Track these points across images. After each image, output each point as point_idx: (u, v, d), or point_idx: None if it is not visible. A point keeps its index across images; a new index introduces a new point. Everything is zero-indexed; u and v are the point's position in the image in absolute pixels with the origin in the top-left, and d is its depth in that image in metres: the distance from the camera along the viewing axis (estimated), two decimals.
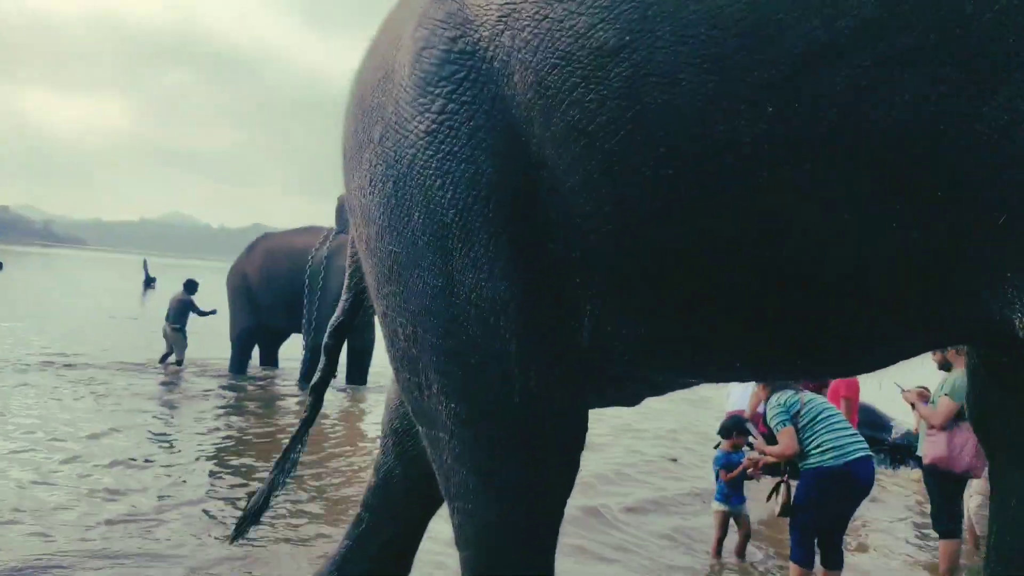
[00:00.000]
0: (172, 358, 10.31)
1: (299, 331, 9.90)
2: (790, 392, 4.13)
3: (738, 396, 7.08)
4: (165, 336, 10.48)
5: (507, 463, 1.94)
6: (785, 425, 4.01)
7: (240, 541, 3.03)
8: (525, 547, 2.00)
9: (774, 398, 4.12)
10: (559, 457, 1.99)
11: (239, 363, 10.13)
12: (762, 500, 4.69)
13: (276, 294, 9.76)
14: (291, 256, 9.79)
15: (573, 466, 2.04)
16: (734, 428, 4.76)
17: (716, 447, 7.65)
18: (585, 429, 2.01)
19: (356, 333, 9.45)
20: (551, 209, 1.76)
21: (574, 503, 4.94)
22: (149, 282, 30.77)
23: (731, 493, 4.63)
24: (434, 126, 1.86)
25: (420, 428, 2.13)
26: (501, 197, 1.80)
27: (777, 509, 4.28)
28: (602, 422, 8.26)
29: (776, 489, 4.32)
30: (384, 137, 1.98)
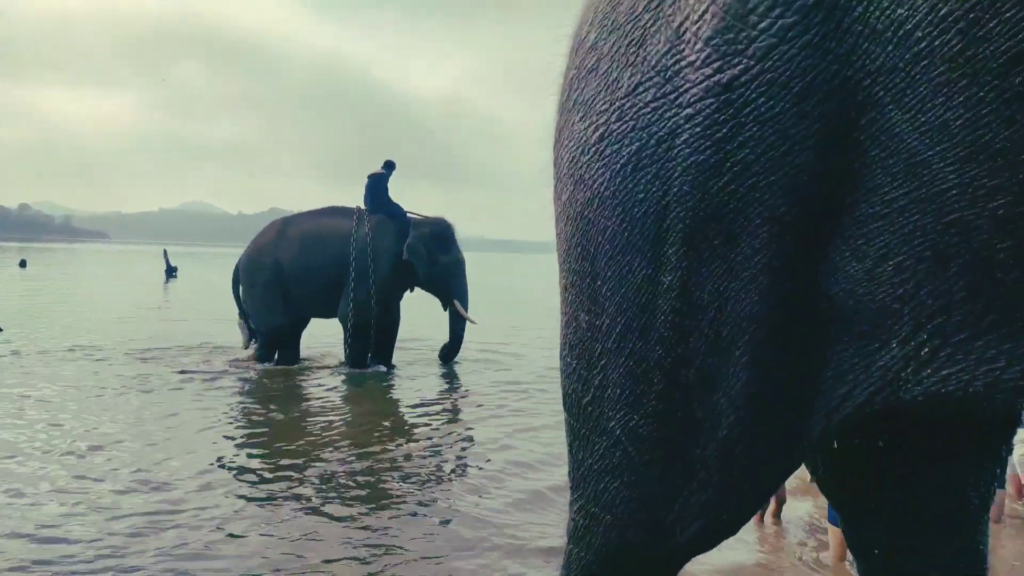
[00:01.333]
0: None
1: (330, 317, 9.79)
2: None
3: None
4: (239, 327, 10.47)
5: (679, 499, 1.60)
6: None
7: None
8: (649, 567, 1.74)
9: None
10: (741, 504, 1.64)
11: (268, 354, 9.72)
12: None
13: (318, 282, 9.46)
14: (330, 241, 9.52)
15: (756, 506, 1.72)
16: None
17: None
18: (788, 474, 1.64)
19: (385, 310, 9.64)
20: (885, 200, 1.27)
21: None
22: (171, 271, 31.04)
23: None
24: (744, 79, 1.32)
25: (566, 413, 1.82)
26: (812, 191, 1.33)
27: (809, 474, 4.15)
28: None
29: None
30: (642, 87, 1.46)
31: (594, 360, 1.65)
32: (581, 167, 1.62)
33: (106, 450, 5.54)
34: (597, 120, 1.57)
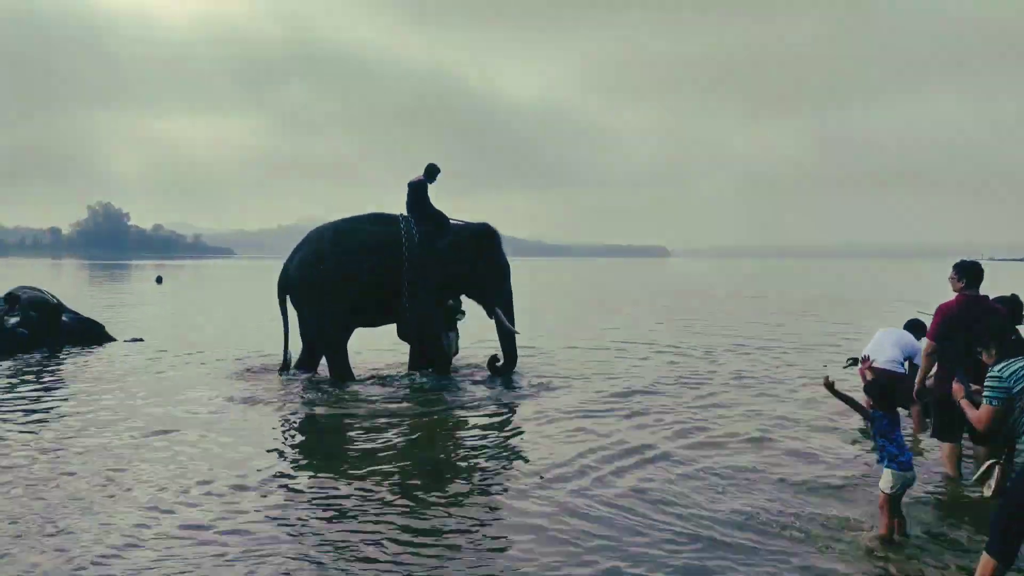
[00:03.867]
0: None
1: (378, 326, 9.62)
2: (1021, 363, 3.52)
3: (868, 349, 6.63)
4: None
5: None
6: (992, 404, 3.50)
7: None
8: None
9: (998, 368, 3.57)
10: None
11: (344, 363, 9.19)
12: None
13: (372, 291, 9.05)
14: (383, 249, 9.08)
15: None
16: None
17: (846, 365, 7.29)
18: None
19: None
20: None
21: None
22: None
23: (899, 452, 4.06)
24: None
25: None
26: None
27: (988, 491, 3.83)
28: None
29: (990, 471, 3.85)
30: None
31: None
32: None
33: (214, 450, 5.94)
34: None
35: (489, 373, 9.51)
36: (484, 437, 6.70)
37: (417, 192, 9.44)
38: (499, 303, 9.46)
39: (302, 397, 8.25)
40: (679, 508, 4.67)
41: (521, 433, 6.79)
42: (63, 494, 4.86)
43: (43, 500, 4.75)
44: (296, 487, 5.13)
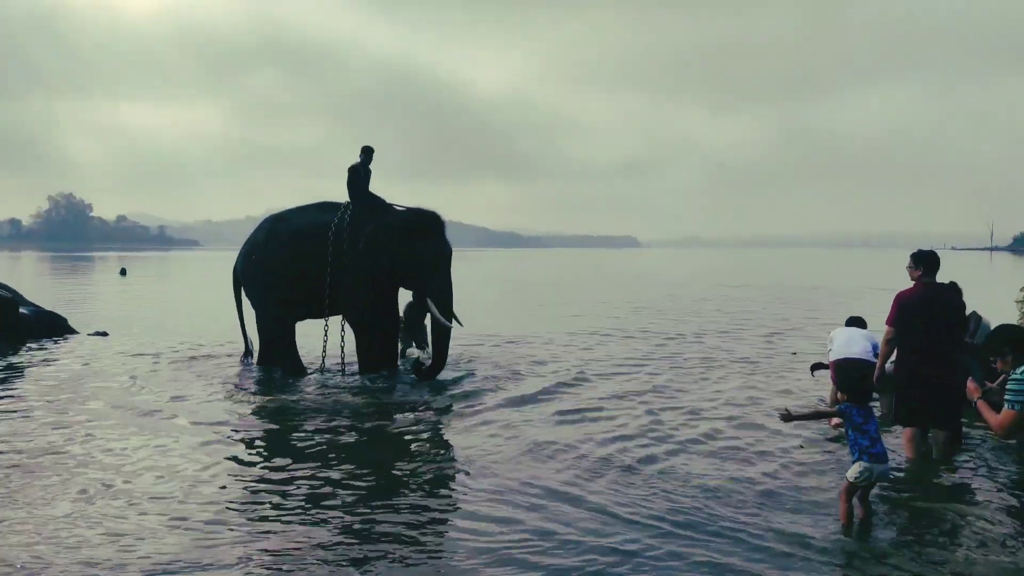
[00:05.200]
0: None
1: (318, 317, 8.96)
2: None
3: (842, 344, 6.76)
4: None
5: None
6: (1015, 408, 3.46)
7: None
8: None
9: (1021, 371, 3.55)
10: None
11: (270, 356, 9.16)
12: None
13: (303, 281, 8.72)
14: (313, 238, 8.71)
15: None
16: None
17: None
18: None
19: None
20: None
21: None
22: None
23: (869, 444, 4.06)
24: None
25: None
26: None
27: None
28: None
29: None
30: None
31: None
32: None
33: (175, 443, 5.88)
34: None
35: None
36: (437, 437, 6.69)
37: (351, 175, 8.90)
38: (432, 294, 8.57)
39: (259, 394, 8.07)
40: (635, 508, 4.68)
41: (472, 434, 6.65)
42: (18, 487, 4.80)
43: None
44: (252, 483, 5.11)
